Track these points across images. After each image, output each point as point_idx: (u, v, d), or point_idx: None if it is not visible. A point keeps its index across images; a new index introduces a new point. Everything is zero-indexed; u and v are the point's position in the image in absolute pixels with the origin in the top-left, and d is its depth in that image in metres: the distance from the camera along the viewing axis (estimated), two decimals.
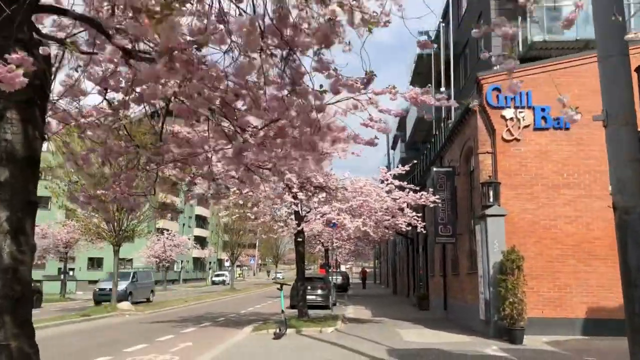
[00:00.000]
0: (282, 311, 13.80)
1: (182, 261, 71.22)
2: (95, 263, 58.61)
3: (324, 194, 14.44)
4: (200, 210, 76.69)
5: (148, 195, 5.23)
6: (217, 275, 72.90)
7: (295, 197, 14.45)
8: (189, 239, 64.94)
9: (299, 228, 15.12)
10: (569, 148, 13.89)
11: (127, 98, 4.00)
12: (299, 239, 15.67)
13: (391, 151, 43.75)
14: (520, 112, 14.08)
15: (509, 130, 14.03)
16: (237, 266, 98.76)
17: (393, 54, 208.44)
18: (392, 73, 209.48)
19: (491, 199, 13.51)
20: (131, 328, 17.29)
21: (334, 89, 3.63)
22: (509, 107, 14.10)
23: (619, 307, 13.70)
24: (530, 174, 13.89)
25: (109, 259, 57.74)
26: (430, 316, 19.68)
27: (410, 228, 16.17)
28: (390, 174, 16.57)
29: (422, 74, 28.53)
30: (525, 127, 14.04)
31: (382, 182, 16.61)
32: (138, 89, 4.03)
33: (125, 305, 22.87)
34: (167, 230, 55.82)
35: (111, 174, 4.65)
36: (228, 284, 56.72)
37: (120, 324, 18.67)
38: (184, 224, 73.51)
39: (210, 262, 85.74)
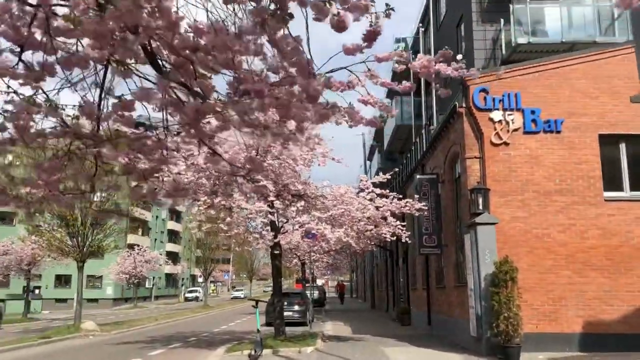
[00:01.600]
0: (258, 330, 12.67)
1: (153, 277, 69.14)
2: (62, 280, 56.37)
3: (302, 203, 13.43)
4: (172, 225, 74.83)
5: (88, 195, 4.18)
6: (190, 292, 71.03)
7: (271, 206, 13.41)
8: (160, 254, 63.10)
9: (275, 240, 14.06)
10: (561, 152, 13.17)
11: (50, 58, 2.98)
12: (276, 252, 14.59)
13: (367, 162, 42.99)
14: (509, 114, 13.33)
15: (497, 133, 13.26)
16: (211, 282, 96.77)
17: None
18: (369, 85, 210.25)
19: (480, 207, 12.67)
20: (93, 351, 15.93)
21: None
22: (497, 110, 13.35)
23: (617, 320, 12.97)
24: (521, 180, 13.12)
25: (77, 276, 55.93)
26: (414, 332, 18.72)
27: (394, 238, 15.23)
28: (371, 182, 15.65)
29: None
30: (515, 130, 13.29)
31: (362, 190, 15.68)
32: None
33: (89, 325, 21.38)
34: (138, 245, 53.97)
35: (34, 165, 3.60)
36: (201, 300, 54.92)
37: (83, 347, 17.26)
38: (155, 239, 71.55)
39: (183, 278, 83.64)
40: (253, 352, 12.19)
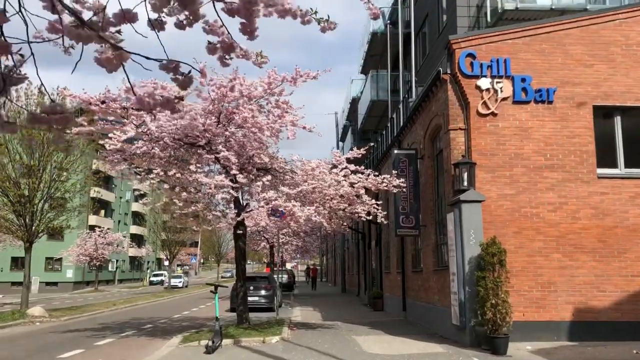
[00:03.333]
0: (217, 318, 11.32)
1: (117, 260, 66.95)
2: (19, 263, 53.62)
3: (268, 177, 12.03)
4: (137, 207, 72.47)
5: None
6: (155, 275, 68.98)
7: (234, 180, 11.98)
8: (124, 236, 60.95)
9: (238, 219, 12.64)
10: (552, 125, 12.05)
11: None
12: (239, 232, 13.19)
13: (340, 144, 41.68)
14: (497, 82, 12.12)
15: (484, 102, 12.06)
16: (178, 265, 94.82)
17: (341, 55, 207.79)
18: (343, 71, 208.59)
19: (465, 183, 11.48)
20: (34, 340, 14.35)
21: None
22: (485, 77, 12.12)
23: (609, 307, 11.94)
24: (509, 154, 11.96)
25: (35, 258, 53.39)
26: (387, 318, 17.62)
27: (369, 218, 13.96)
28: (345, 158, 14.27)
29: (376, 56, 26.52)
30: (504, 99, 12.10)
31: (335, 166, 14.32)
32: None
33: (37, 310, 19.69)
34: (99, 227, 51.83)
35: None
36: (166, 284, 53.13)
37: (23, 335, 15.63)
38: (119, 221, 69.29)
39: (148, 262, 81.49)
40: (210, 343, 10.84)
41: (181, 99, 2.95)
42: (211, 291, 11.59)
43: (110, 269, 65.29)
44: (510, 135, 12.02)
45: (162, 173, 11.79)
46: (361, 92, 30.37)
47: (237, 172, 11.84)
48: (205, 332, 13.25)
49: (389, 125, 21.22)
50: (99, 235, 49.18)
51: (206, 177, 11.83)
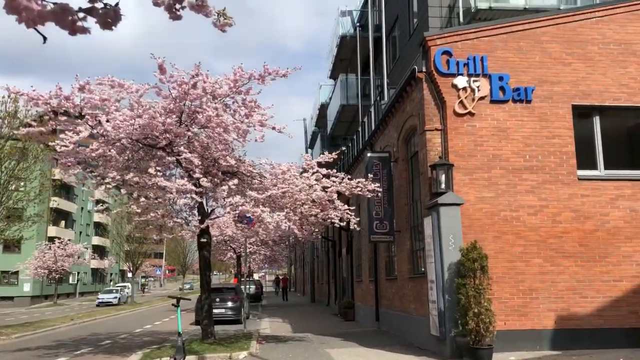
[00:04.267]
0: (179, 334, 10.42)
1: (78, 273, 64.62)
2: None
3: (235, 181, 11.24)
4: (99, 217, 70.28)
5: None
6: (119, 287, 66.74)
7: (197, 184, 11.15)
8: (85, 248, 58.87)
9: (202, 226, 11.79)
10: (531, 125, 11.61)
11: None
12: (203, 240, 12.33)
13: (309, 151, 40.98)
14: (474, 80, 11.64)
15: (461, 102, 11.55)
16: (143, 277, 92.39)
17: (307, 63, 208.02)
18: (309, 81, 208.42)
19: (443, 185, 10.92)
20: None
21: None
22: (462, 75, 11.63)
23: (591, 313, 11.41)
24: (487, 156, 11.46)
25: None
26: (359, 328, 16.93)
27: (343, 224, 13.27)
28: (315, 162, 13.57)
29: (345, 60, 25.98)
30: (481, 98, 11.62)
31: (306, 171, 13.61)
32: None
33: None
34: (59, 238, 49.79)
35: None
36: (129, 296, 51.23)
37: None
38: (81, 232, 66.99)
39: (111, 274, 79.05)
40: None
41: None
42: (173, 304, 10.68)
43: (71, 281, 62.95)
44: (488, 135, 11.53)
45: (118, 177, 10.87)
46: (330, 98, 29.81)
47: (201, 176, 11.02)
48: (168, 347, 12.33)
49: (360, 129, 20.66)
50: (58, 247, 47.22)
51: (167, 181, 10.94)
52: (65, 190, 60.27)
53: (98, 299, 45.68)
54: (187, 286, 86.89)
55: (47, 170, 19.61)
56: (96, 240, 71.85)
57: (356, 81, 23.93)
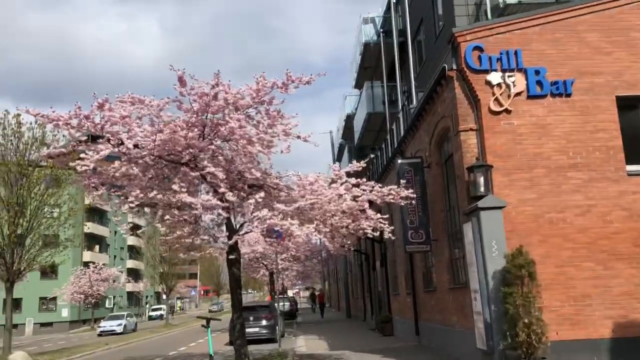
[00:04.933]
0: (211, 357, 9.96)
1: (114, 297, 65.15)
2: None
3: (262, 194, 10.76)
4: (132, 240, 70.85)
5: None
6: (154, 310, 67.05)
7: (222, 199, 10.70)
8: (120, 271, 59.27)
9: (230, 242, 11.32)
10: (573, 120, 10.88)
11: None
12: (232, 257, 11.85)
13: (337, 163, 40.47)
14: (509, 76, 10.99)
15: (496, 99, 10.90)
16: (178, 298, 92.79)
17: (331, 80, 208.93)
18: (333, 96, 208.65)
19: (482, 188, 10.25)
20: None
21: None
22: (495, 71, 10.99)
23: None
24: (527, 155, 10.76)
25: (28, 298, 51.61)
26: (399, 344, 16.19)
27: (377, 234, 12.65)
28: (344, 172, 13.00)
29: (369, 68, 25.48)
30: (517, 94, 10.95)
31: (334, 182, 13.06)
32: None
33: (19, 356, 18.11)
34: (93, 263, 50.19)
35: None
36: (165, 318, 51.13)
37: None
38: (115, 256, 67.63)
39: (146, 296, 79.50)
40: None
41: None
42: (202, 325, 10.24)
43: (107, 305, 63.45)
44: (527, 133, 10.84)
45: (141, 195, 10.50)
46: (356, 108, 29.32)
47: (226, 190, 10.56)
48: None
49: (388, 137, 20.07)
50: (93, 272, 47.62)
51: (192, 197, 10.52)
52: (98, 215, 61.02)
53: (100, 327, 39.58)
54: (216, 307, 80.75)
55: (76, 195, 19.49)
56: (130, 263, 72.43)
57: (382, 89, 23.40)
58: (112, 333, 37.49)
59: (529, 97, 10.96)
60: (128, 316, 42.60)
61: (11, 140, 19.05)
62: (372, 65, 25.11)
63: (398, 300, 19.09)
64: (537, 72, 10.99)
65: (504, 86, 10.95)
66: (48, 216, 20.15)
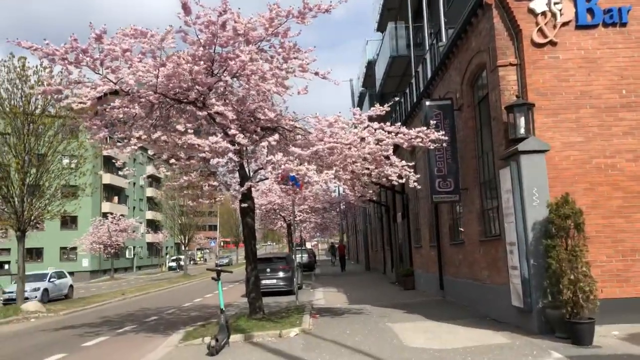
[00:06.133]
0: (222, 311, 9.22)
1: (134, 247, 65.68)
2: (34, 254, 52.31)
3: (276, 137, 9.77)
4: (151, 192, 70.88)
5: None
6: (174, 260, 67.53)
7: (232, 142, 9.74)
8: (140, 222, 59.44)
9: (243, 189, 10.41)
10: (628, 53, 9.58)
11: None
12: (245, 205, 10.98)
13: (357, 108, 39.07)
14: (555, 3, 9.67)
15: (540, 29, 9.62)
16: (198, 249, 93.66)
17: (350, 31, 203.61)
18: (354, 49, 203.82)
19: (522, 130, 9.12)
20: (17, 342, 12.43)
21: None
22: None
23: None
24: (574, 93, 9.55)
25: (50, 248, 52.05)
26: (422, 298, 15.41)
27: (402, 181, 11.62)
28: (366, 116, 11.87)
29: (393, 10, 23.88)
30: (564, 24, 9.66)
31: (355, 127, 11.98)
32: None
33: (32, 306, 17.87)
34: (111, 214, 50.17)
35: None
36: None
37: (10, 336, 13.75)
38: (134, 207, 67.82)
39: (166, 247, 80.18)
40: (214, 342, 8.74)
41: None
42: (213, 278, 9.45)
43: (127, 256, 64.03)
44: (574, 68, 9.60)
45: (144, 137, 9.58)
46: (378, 54, 27.80)
47: (237, 132, 9.58)
48: (213, 324, 11.25)
49: (413, 81, 18.78)
50: (111, 222, 47.59)
51: (197, 138, 9.56)
52: (115, 166, 60.80)
53: (4, 293, 25.65)
54: (225, 260, 73.91)
55: (86, 142, 18.65)
56: (149, 214, 72.64)
57: (406, 30, 21.88)
58: (10, 302, 22.64)
59: (578, 27, 9.66)
60: (56, 276, 27.73)
61: (16, 84, 18.16)
62: (396, 5, 23.50)
63: (420, 254, 18.24)
64: None
65: (549, 15, 9.64)
66: (58, 164, 19.43)
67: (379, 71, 26.56)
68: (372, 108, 12.03)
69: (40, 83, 16.91)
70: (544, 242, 8.45)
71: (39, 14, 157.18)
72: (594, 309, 7.93)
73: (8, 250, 49.07)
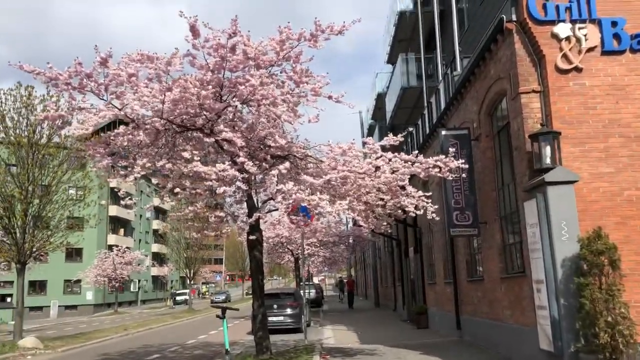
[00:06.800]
0: (227, 351, 8.55)
1: (139, 280, 64.85)
2: (37, 286, 51.56)
3: (286, 164, 9.27)
4: (157, 225, 70.39)
5: None
6: (179, 295, 66.48)
7: (242, 170, 9.25)
8: (146, 255, 58.79)
9: (251, 220, 9.87)
10: None
11: None
12: (253, 237, 10.42)
13: (370, 138, 38.76)
14: (580, 28, 9.27)
15: (565, 55, 9.19)
16: (203, 283, 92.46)
17: (357, 66, 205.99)
18: (361, 83, 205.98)
19: (548, 159, 8.59)
20: None
21: None
22: (563, 22, 9.29)
23: None
24: (602, 121, 9.05)
25: (53, 281, 51.33)
26: (438, 338, 14.64)
27: (420, 212, 11.03)
28: (379, 146, 11.36)
29: (404, 41, 23.68)
30: (590, 50, 9.23)
31: (369, 157, 11.47)
32: None
33: (29, 342, 17.18)
34: (117, 246, 49.60)
35: None
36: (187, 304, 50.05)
37: None
38: (140, 240, 67.20)
39: (172, 281, 79.20)
40: None
41: None
42: (217, 316, 8.79)
43: (132, 289, 63.15)
44: (601, 95, 9.12)
45: (148, 165, 9.12)
46: (388, 86, 27.55)
47: (245, 160, 9.10)
48: None
49: (425, 112, 18.36)
50: (116, 255, 46.99)
51: (205, 165, 9.08)
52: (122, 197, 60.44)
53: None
54: (222, 297, 62.68)
55: (90, 173, 18.24)
56: (155, 247, 72.01)
57: (418, 62, 21.59)
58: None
59: (604, 52, 9.24)
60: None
61: (22, 113, 17.89)
62: (406, 37, 23.34)
63: (435, 290, 17.50)
64: (614, 24, 9.25)
65: (573, 40, 9.23)
66: (62, 195, 19.00)
67: (389, 103, 26.26)
68: (385, 138, 11.52)
69: (45, 110, 16.62)
70: (575, 280, 7.82)
71: (53, 49, 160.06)
72: (635, 355, 7.25)
73: (11, 282, 48.40)
